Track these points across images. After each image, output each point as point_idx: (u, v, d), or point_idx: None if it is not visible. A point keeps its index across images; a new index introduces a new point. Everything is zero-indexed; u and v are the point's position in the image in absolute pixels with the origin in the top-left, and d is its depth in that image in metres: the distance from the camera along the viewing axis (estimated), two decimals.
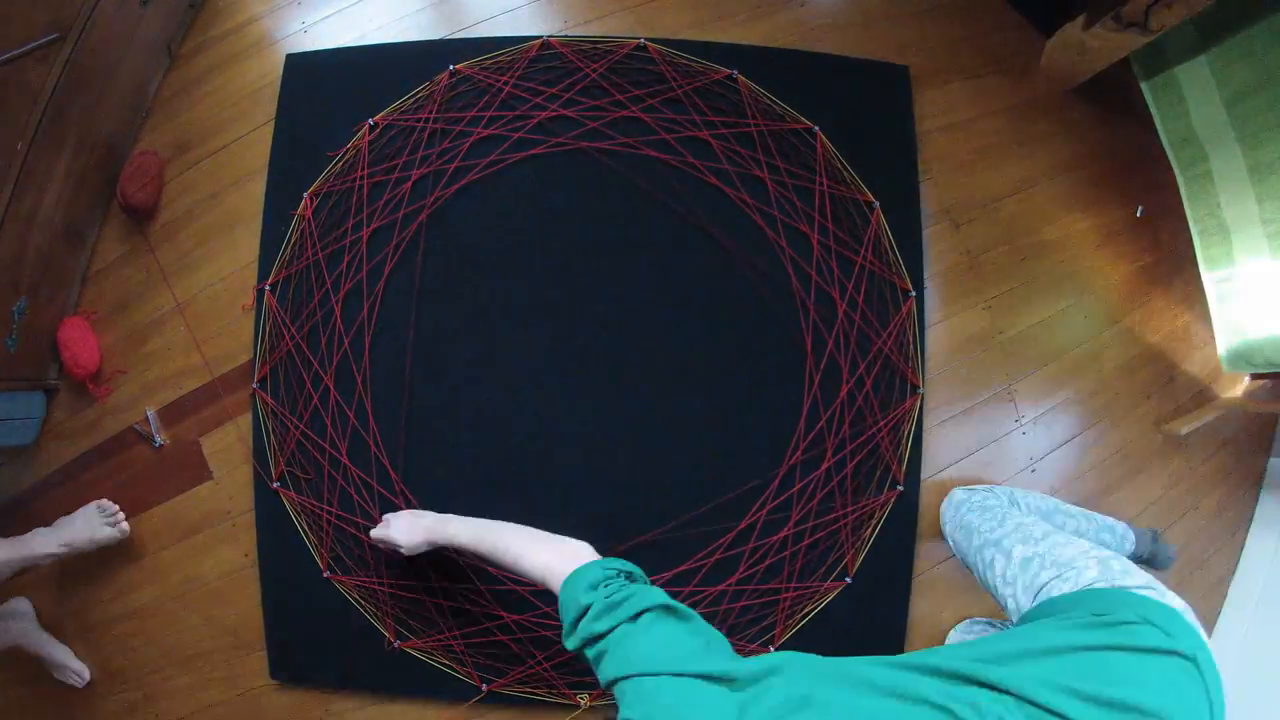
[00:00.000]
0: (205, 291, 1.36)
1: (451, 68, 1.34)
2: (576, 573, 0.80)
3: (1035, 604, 0.80)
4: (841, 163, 1.35)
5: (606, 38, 1.37)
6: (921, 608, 1.30)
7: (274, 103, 1.37)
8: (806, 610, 1.26)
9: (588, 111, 1.34)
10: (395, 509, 1.26)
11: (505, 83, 1.34)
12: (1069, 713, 0.56)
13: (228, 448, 1.34)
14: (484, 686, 1.24)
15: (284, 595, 1.29)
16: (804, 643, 1.26)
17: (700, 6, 1.41)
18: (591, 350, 1.30)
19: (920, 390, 1.31)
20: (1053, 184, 1.43)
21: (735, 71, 1.36)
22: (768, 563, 1.26)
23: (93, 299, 1.40)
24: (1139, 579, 0.73)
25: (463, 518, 1.07)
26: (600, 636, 0.72)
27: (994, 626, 1.22)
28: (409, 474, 1.28)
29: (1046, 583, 0.80)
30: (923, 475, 1.31)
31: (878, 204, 1.34)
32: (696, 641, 0.68)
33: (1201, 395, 1.43)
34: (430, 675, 1.25)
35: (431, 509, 1.26)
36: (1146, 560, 1.22)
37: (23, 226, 1.22)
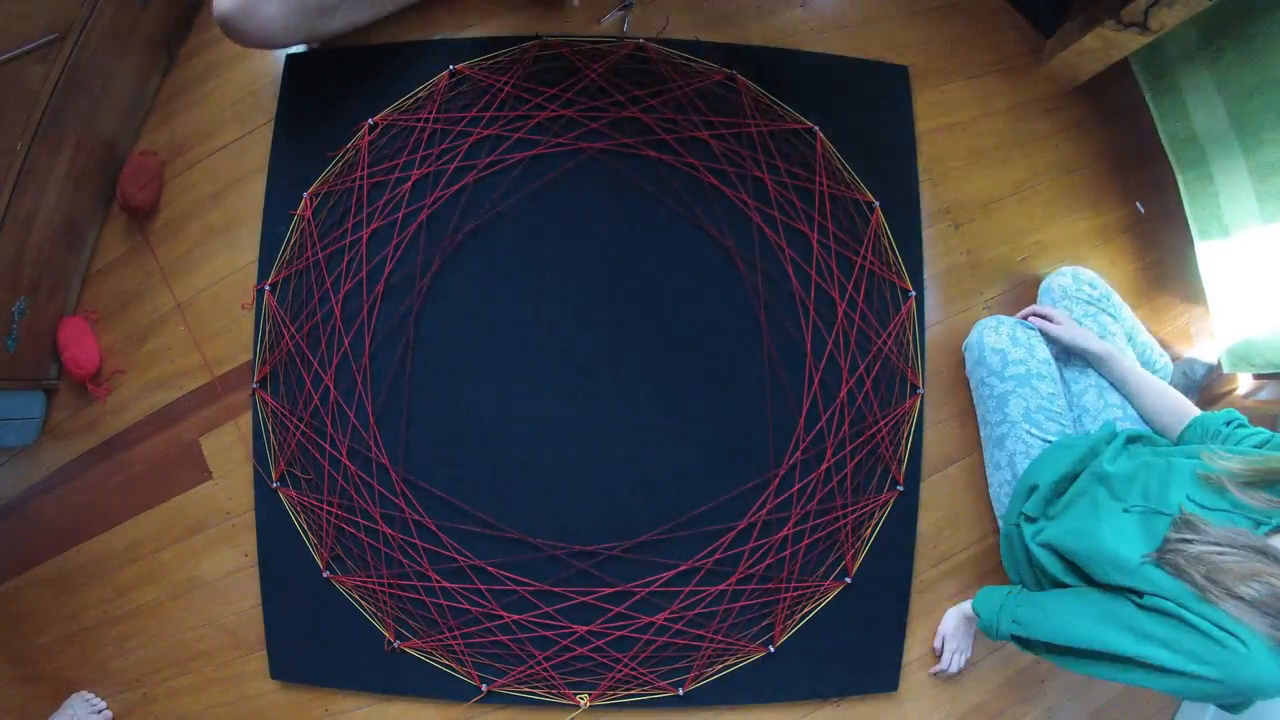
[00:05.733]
0: (205, 291, 1.36)
1: (451, 68, 1.34)
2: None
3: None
4: (841, 163, 1.35)
5: (606, 38, 1.37)
6: (921, 608, 1.30)
7: (274, 103, 1.36)
8: (806, 610, 1.27)
9: (587, 112, 1.34)
10: (395, 509, 1.27)
11: (505, 83, 1.34)
12: None
13: (228, 448, 1.34)
14: (484, 686, 1.24)
15: (284, 595, 1.29)
16: (804, 643, 1.26)
17: (700, 6, 1.40)
18: (591, 349, 1.30)
19: (920, 390, 1.31)
20: (1053, 184, 1.43)
21: (735, 71, 1.36)
22: (768, 563, 1.26)
23: (93, 299, 1.40)
24: None
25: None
26: None
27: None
28: (409, 474, 1.28)
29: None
30: (923, 475, 1.31)
31: (878, 204, 1.34)
32: None
33: (1202, 396, 1.42)
34: (430, 675, 1.25)
35: (431, 509, 1.27)
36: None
37: (23, 226, 1.22)
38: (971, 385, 1.24)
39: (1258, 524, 0.78)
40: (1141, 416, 1.12)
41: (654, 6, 1.40)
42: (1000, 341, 1.16)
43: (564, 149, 1.33)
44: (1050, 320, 1.17)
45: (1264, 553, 0.74)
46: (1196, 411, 1.05)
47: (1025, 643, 0.99)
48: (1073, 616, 0.90)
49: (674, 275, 1.32)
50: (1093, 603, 0.88)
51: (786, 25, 1.41)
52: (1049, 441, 1.10)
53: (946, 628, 1.23)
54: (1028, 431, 1.11)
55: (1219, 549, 0.75)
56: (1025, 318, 1.20)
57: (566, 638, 1.25)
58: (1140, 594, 0.82)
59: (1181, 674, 0.77)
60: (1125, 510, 0.89)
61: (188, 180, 1.39)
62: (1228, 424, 0.99)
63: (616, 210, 1.33)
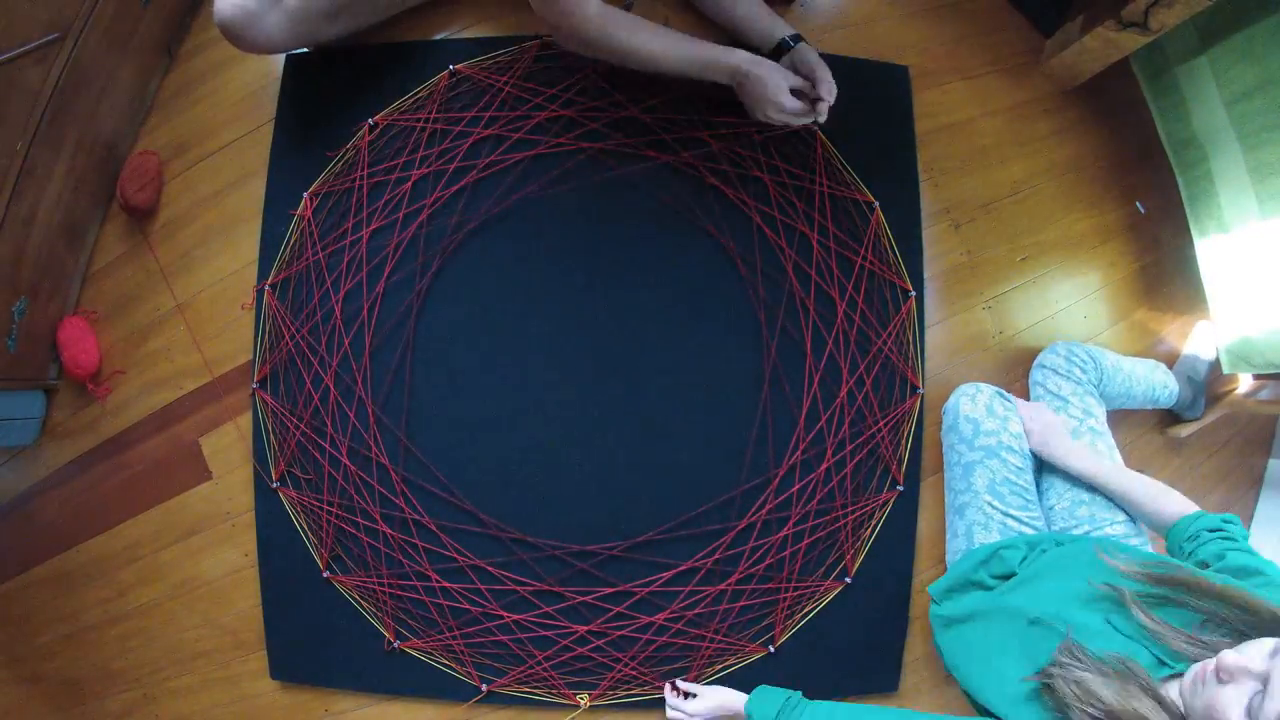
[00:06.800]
0: (205, 291, 1.36)
1: (451, 68, 1.34)
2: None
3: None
4: (841, 163, 1.35)
5: None
6: (921, 607, 1.30)
7: (274, 103, 1.36)
8: (806, 610, 1.27)
9: (587, 111, 1.34)
10: (395, 509, 1.27)
11: (505, 83, 1.34)
12: None
13: (228, 448, 1.34)
14: (484, 686, 1.24)
15: (284, 595, 1.29)
16: (804, 643, 1.26)
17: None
18: (591, 350, 1.30)
19: (920, 390, 1.31)
20: (1053, 184, 1.43)
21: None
22: (767, 563, 1.26)
23: (93, 299, 1.40)
24: None
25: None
26: None
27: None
28: (409, 474, 1.28)
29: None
30: (923, 475, 1.31)
31: (878, 204, 1.34)
32: None
33: (1207, 395, 1.42)
34: (430, 675, 1.25)
35: (431, 509, 1.27)
36: (1188, 405, 1.40)
37: (23, 226, 1.22)
38: (943, 449, 1.21)
39: (1161, 663, 0.67)
40: (1141, 520, 1.07)
41: (654, 6, 1.40)
42: (975, 410, 1.14)
43: (564, 149, 1.33)
44: (1030, 427, 1.13)
45: (1153, 697, 0.63)
46: (1184, 510, 0.97)
47: None
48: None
49: (674, 275, 1.32)
50: None
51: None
52: (1010, 515, 1.07)
53: (700, 707, 1.11)
54: (989, 503, 1.09)
55: (1102, 678, 0.65)
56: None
57: (566, 638, 1.25)
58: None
59: None
60: (1029, 623, 0.81)
61: (188, 180, 1.39)
62: (1211, 530, 0.89)
63: (616, 210, 1.33)
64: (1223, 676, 0.58)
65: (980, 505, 1.10)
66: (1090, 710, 0.64)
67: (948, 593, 1.07)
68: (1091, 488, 1.10)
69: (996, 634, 0.86)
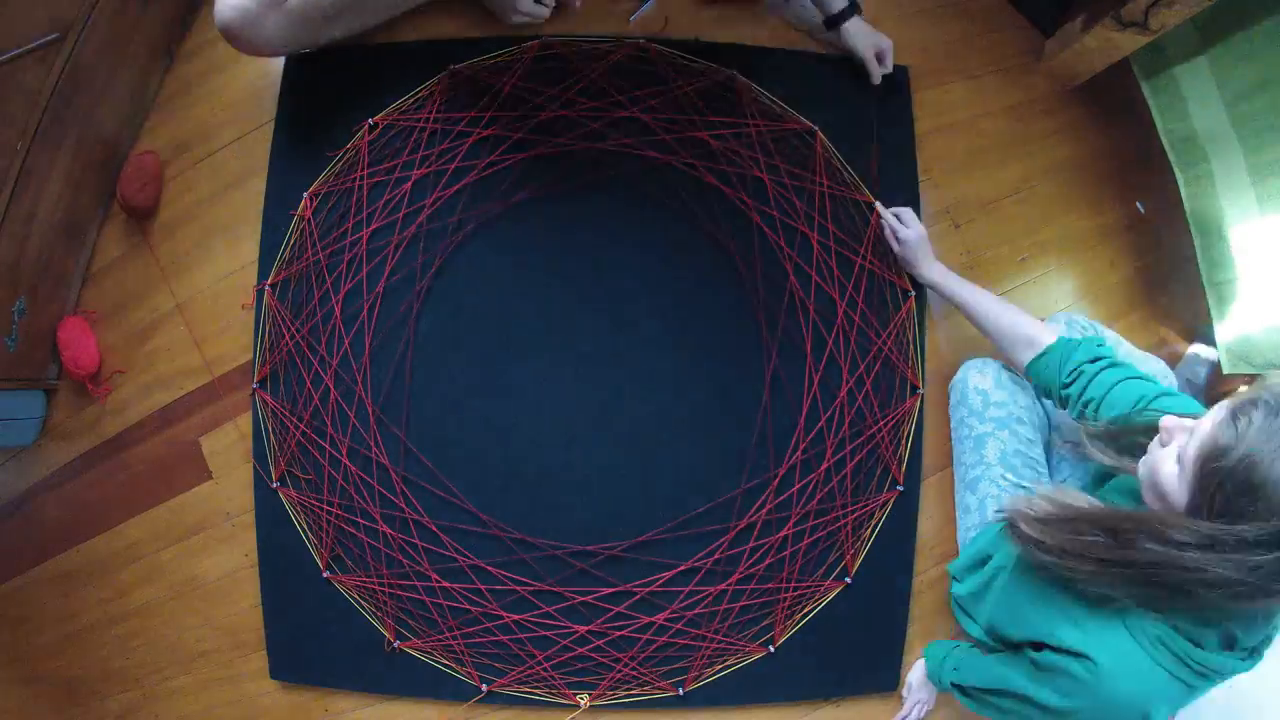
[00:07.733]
0: (205, 291, 1.36)
1: (451, 68, 1.34)
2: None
3: None
4: (841, 163, 1.35)
5: (606, 38, 1.37)
6: (921, 608, 1.30)
7: (274, 103, 1.36)
8: (806, 610, 1.27)
9: (587, 112, 1.34)
10: (395, 509, 1.27)
11: (505, 83, 1.34)
12: None
13: (228, 448, 1.34)
14: (484, 686, 1.24)
15: (284, 595, 1.29)
16: (804, 643, 1.26)
17: (700, 7, 1.40)
18: (591, 349, 1.31)
19: (920, 390, 1.31)
20: (1053, 184, 1.43)
21: (735, 71, 1.36)
22: (767, 563, 1.26)
23: (93, 299, 1.40)
24: None
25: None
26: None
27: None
28: (409, 474, 1.28)
29: None
30: (923, 475, 1.31)
31: (878, 204, 1.34)
32: None
33: (1206, 396, 1.42)
34: (430, 675, 1.25)
35: (431, 509, 1.27)
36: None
37: (22, 226, 1.22)
38: (952, 425, 1.21)
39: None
40: (996, 346, 1.11)
41: (656, 6, 1.40)
42: (984, 383, 1.14)
43: (564, 149, 1.33)
44: (902, 224, 1.21)
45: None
46: (1040, 335, 0.99)
47: (963, 691, 1.00)
48: (994, 663, 0.93)
49: (674, 275, 1.32)
50: (1011, 658, 0.91)
51: (787, 25, 1.41)
52: (1022, 487, 1.07)
53: (914, 678, 1.21)
54: (1002, 475, 1.08)
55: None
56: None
57: (566, 638, 1.25)
58: (1037, 647, 0.84)
59: (1060, 711, 0.79)
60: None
61: (188, 180, 1.39)
62: (1092, 361, 0.93)
63: (616, 210, 1.33)
64: (1163, 439, 0.71)
65: (993, 478, 1.09)
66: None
67: (967, 570, 1.06)
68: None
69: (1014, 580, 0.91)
